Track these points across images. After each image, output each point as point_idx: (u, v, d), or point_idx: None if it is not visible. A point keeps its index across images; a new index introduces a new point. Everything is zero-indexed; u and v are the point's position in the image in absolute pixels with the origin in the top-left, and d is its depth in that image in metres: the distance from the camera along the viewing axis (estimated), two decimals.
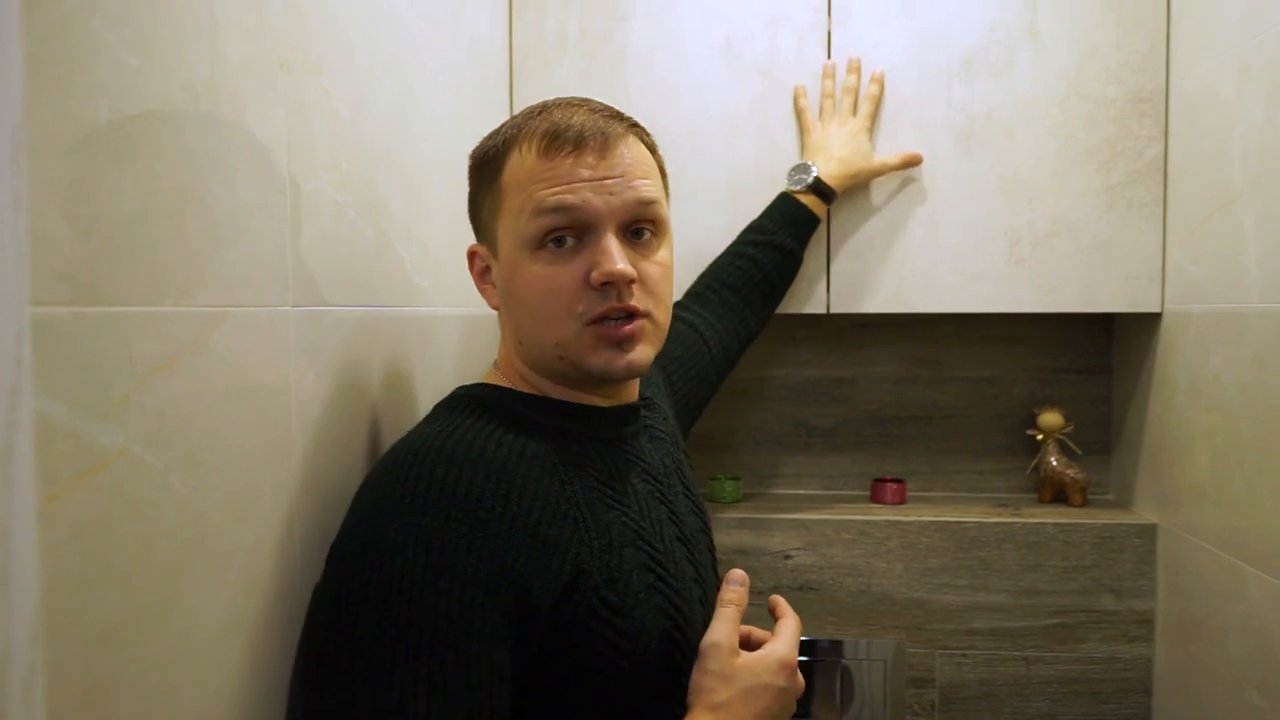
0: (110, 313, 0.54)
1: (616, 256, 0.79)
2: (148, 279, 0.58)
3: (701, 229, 1.48)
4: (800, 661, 1.53)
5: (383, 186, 0.97)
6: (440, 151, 1.14)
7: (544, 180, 0.79)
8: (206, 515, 0.64)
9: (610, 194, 0.79)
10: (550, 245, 0.80)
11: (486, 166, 0.86)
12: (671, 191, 1.60)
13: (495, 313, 0.89)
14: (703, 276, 1.35)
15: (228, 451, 0.67)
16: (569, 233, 0.80)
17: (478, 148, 0.89)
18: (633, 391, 0.92)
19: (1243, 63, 1.22)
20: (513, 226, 0.82)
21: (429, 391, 1.08)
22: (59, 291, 0.50)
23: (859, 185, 1.46)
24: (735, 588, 0.84)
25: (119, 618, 0.55)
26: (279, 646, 0.74)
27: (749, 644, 0.85)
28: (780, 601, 0.89)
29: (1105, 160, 1.44)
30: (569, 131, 0.80)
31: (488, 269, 0.88)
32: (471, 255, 0.90)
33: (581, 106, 0.83)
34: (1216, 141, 1.28)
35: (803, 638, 1.52)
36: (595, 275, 0.78)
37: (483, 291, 0.90)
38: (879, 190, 1.48)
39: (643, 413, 0.95)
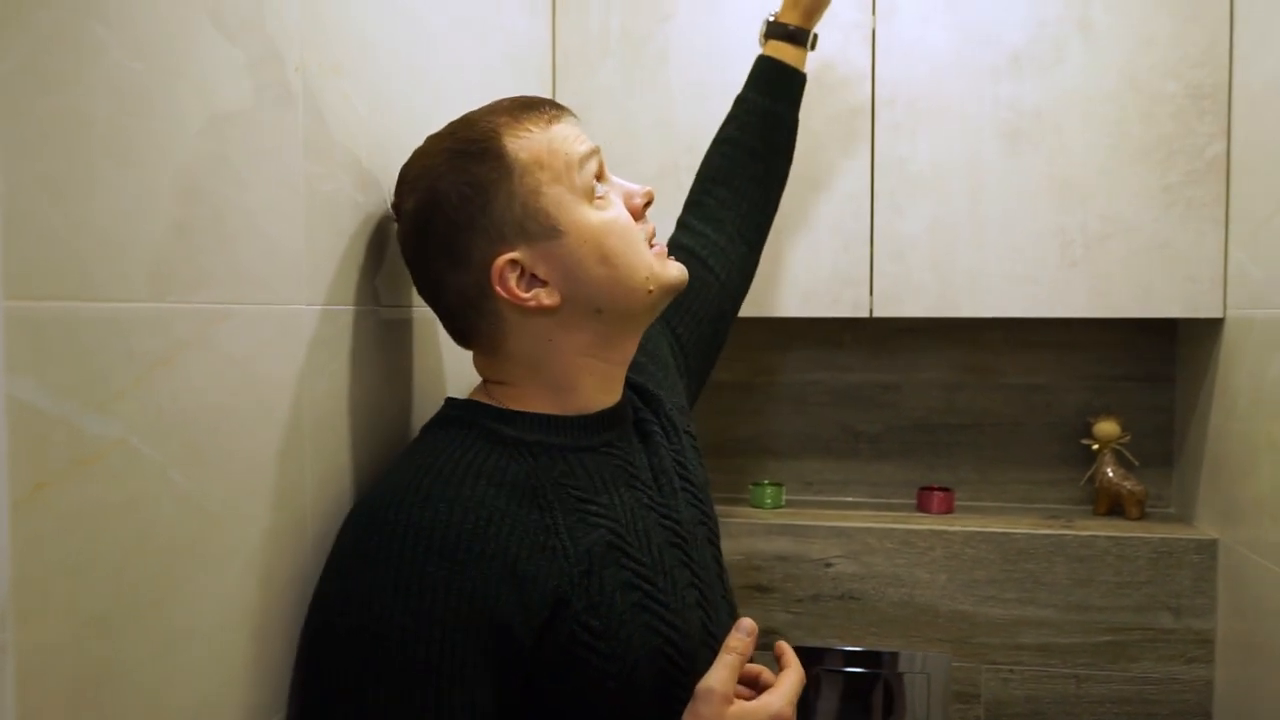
0: (106, 308, 0.56)
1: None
2: (147, 275, 0.59)
3: None
4: (840, 671, 1.51)
5: None
6: None
7: (564, 138, 0.82)
8: (209, 509, 0.65)
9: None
10: (599, 190, 0.84)
11: (486, 172, 0.79)
12: None
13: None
14: (695, 180, 1.21)
15: (233, 447, 0.68)
16: (597, 176, 0.85)
17: (445, 185, 0.80)
18: (620, 387, 0.90)
19: None
20: (565, 190, 0.81)
21: (454, 389, 1.08)
22: (50, 286, 0.52)
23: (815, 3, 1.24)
24: (742, 636, 0.80)
25: (113, 605, 0.56)
26: (286, 640, 0.75)
27: (756, 684, 0.83)
28: (786, 650, 0.86)
29: (1163, 158, 1.38)
30: (540, 102, 0.85)
31: (523, 274, 0.80)
32: (500, 272, 0.79)
33: (507, 99, 0.87)
34: None
35: (845, 648, 1.51)
36: (640, 197, 0.87)
37: (527, 302, 0.80)
38: (921, 190, 1.44)
39: (635, 406, 0.93)
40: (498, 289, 0.80)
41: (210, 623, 0.66)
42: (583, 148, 0.83)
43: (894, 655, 1.50)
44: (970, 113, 1.42)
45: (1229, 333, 1.39)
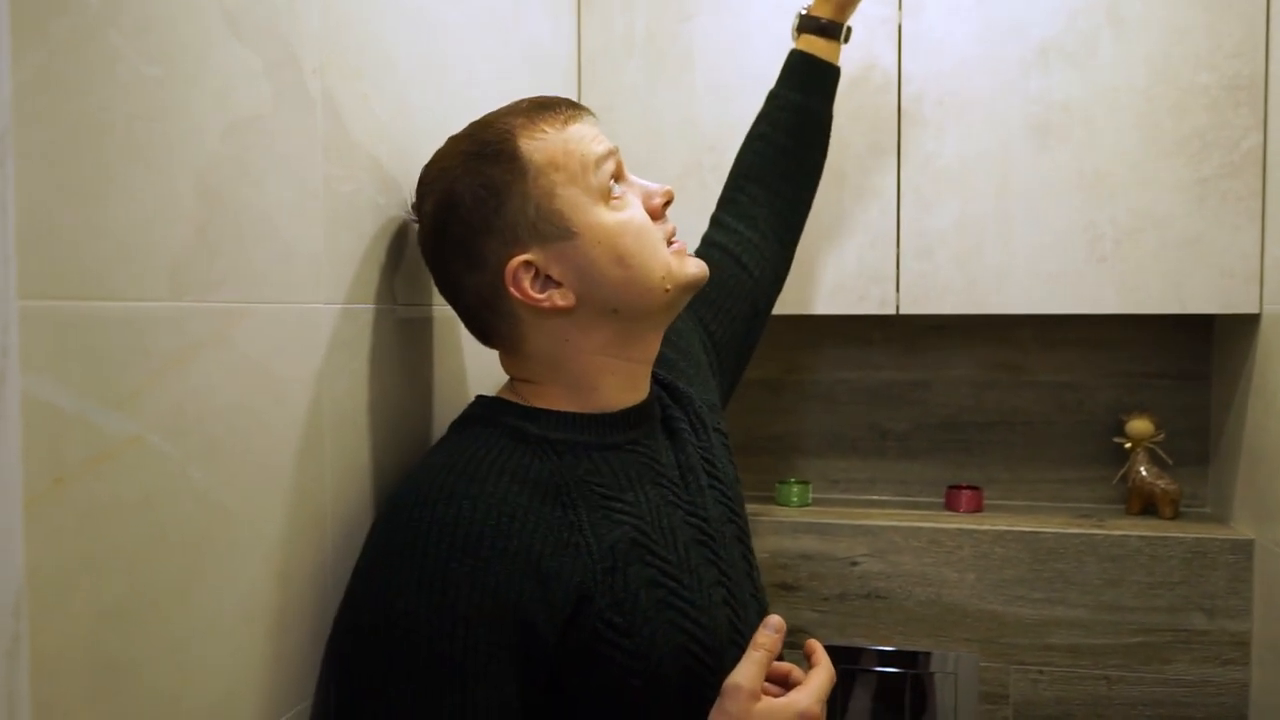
0: (123, 307, 0.57)
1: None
2: (165, 276, 0.61)
3: None
4: (867, 671, 1.50)
5: None
6: None
7: (580, 139, 0.83)
8: (227, 505, 0.67)
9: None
10: (615, 191, 0.84)
11: (501, 174, 0.80)
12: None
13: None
14: (728, 177, 1.21)
15: (252, 445, 0.70)
16: (615, 176, 0.85)
17: (460, 187, 0.81)
18: (646, 383, 0.91)
19: None
20: (580, 192, 0.81)
21: (476, 388, 1.10)
22: (66, 286, 0.53)
23: None
24: (770, 633, 0.79)
25: (130, 599, 0.58)
26: (306, 635, 0.77)
27: (785, 682, 0.82)
28: (817, 648, 0.84)
29: (1196, 151, 1.35)
30: (558, 102, 0.85)
31: (537, 275, 0.81)
32: (515, 272, 0.80)
33: (528, 99, 0.88)
34: None
35: (873, 647, 1.50)
36: (659, 197, 0.86)
37: (544, 303, 0.81)
38: (949, 186, 1.43)
39: (664, 403, 0.94)
40: (511, 290, 0.81)
41: (227, 618, 0.67)
42: (599, 148, 0.83)
43: (922, 655, 1.49)
44: (998, 107, 1.41)
45: (1266, 329, 1.36)
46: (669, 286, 0.85)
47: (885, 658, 1.51)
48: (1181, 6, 1.35)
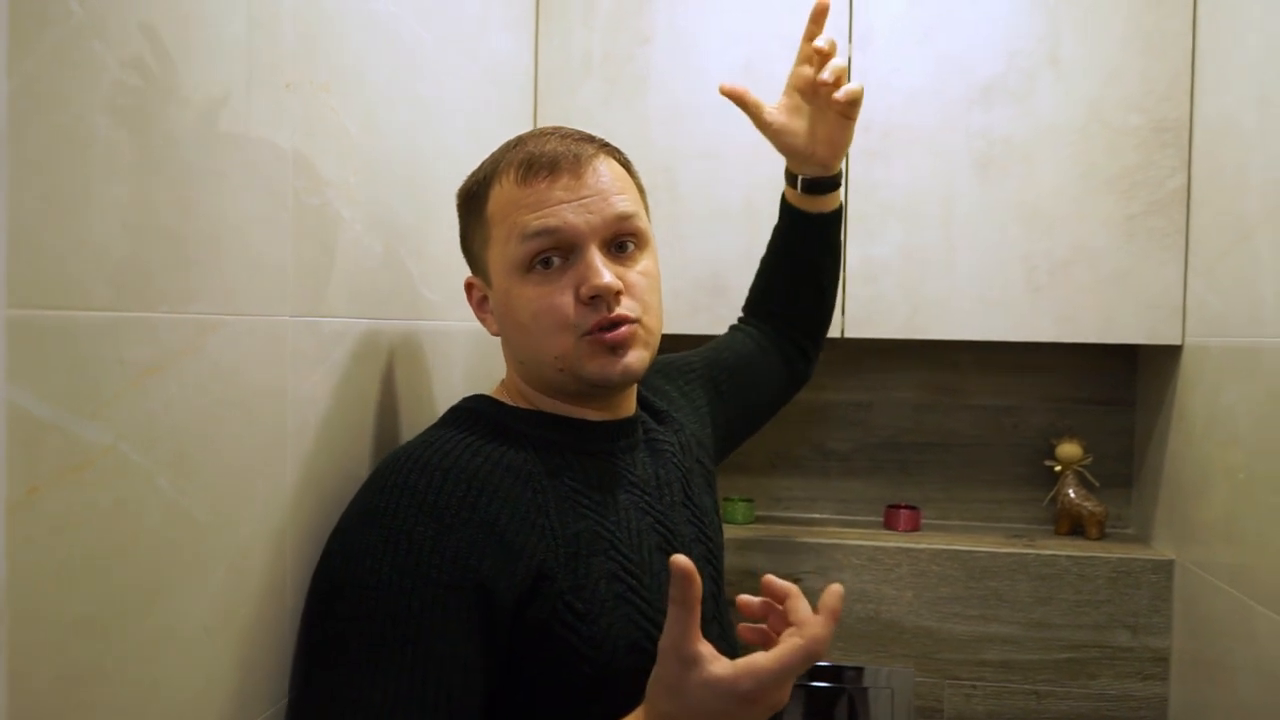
0: (101, 317, 0.57)
1: (602, 270, 0.83)
2: (141, 286, 0.61)
3: (719, 250, 1.49)
4: (806, 687, 1.53)
5: (394, 202, 1.00)
6: (457, 169, 1.15)
7: (525, 207, 0.84)
8: (194, 515, 0.67)
9: (589, 212, 0.83)
10: (539, 267, 0.84)
11: (472, 201, 0.90)
12: (690, 212, 1.61)
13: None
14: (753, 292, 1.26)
15: (219, 454, 0.69)
16: (555, 253, 0.84)
17: (463, 184, 0.93)
18: (629, 405, 0.94)
19: (1263, 94, 1.21)
20: (502, 254, 0.86)
21: (440, 401, 1.10)
22: (49, 296, 0.53)
23: (794, 158, 1.15)
24: (680, 584, 0.66)
25: (100, 607, 0.57)
26: (269, 643, 0.77)
27: (783, 603, 0.76)
28: (830, 600, 0.71)
29: (1126, 189, 1.43)
30: (543, 158, 0.84)
31: (485, 298, 0.92)
32: (469, 287, 0.94)
33: (553, 134, 0.88)
34: (1237, 172, 1.27)
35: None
36: (584, 290, 0.83)
37: (482, 320, 0.94)
38: (893, 215, 1.48)
39: (647, 426, 0.97)
40: (469, 300, 0.94)
41: (195, 625, 0.67)
42: (536, 224, 0.82)
43: (859, 670, 1.53)
44: (942, 141, 1.46)
45: (1187, 360, 1.43)
46: (562, 368, 0.84)
47: (823, 673, 1.54)
48: (1116, 50, 1.42)
